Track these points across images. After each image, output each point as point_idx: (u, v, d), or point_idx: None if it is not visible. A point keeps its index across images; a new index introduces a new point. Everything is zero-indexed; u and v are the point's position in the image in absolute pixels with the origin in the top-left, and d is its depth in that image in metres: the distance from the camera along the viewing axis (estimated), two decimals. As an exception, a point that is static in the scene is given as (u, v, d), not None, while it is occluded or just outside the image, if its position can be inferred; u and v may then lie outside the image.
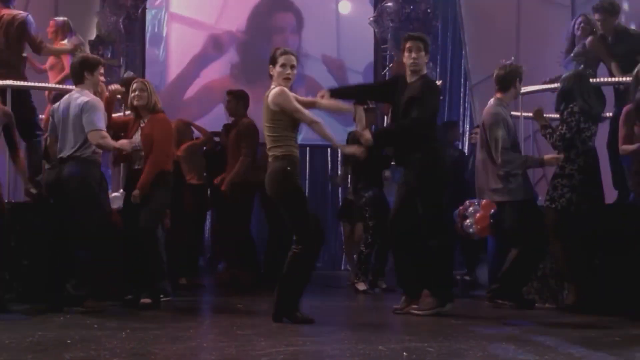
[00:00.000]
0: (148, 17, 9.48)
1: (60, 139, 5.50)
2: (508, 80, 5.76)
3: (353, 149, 5.21)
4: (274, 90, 4.87)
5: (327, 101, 5.21)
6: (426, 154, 5.26)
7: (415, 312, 5.30)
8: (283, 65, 4.88)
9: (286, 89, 4.85)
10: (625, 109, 5.56)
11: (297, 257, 4.82)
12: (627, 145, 5.46)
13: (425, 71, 5.49)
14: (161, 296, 5.72)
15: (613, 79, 6.26)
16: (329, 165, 10.11)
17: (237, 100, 7.68)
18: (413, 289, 5.40)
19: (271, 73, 4.93)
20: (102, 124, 5.41)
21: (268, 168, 4.90)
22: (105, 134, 5.41)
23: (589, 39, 6.29)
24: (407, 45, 5.37)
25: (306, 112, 4.87)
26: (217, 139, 8.26)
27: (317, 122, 4.87)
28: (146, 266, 5.57)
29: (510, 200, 5.72)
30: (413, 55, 5.34)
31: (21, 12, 6.58)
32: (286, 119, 4.84)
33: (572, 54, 6.36)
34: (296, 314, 4.88)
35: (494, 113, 5.69)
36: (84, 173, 5.40)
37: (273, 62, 4.91)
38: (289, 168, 4.80)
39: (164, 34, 9.64)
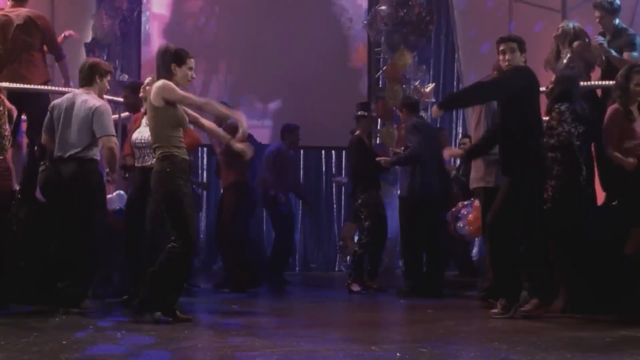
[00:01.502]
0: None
1: (59, 137, 5.43)
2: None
3: (242, 147, 5.09)
4: (157, 83, 4.85)
5: (208, 122, 5.29)
6: (526, 154, 5.22)
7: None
8: (191, 69, 4.93)
9: (168, 82, 4.82)
10: (610, 108, 5.54)
11: (172, 253, 4.80)
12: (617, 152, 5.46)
13: None
14: None
15: (606, 82, 6.28)
16: (323, 167, 10.16)
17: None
18: (514, 294, 5.31)
19: (173, 71, 4.88)
20: (113, 129, 5.42)
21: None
22: (116, 140, 5.41)
23: (575, 44, 6.31)
24: (501, 48, 5.32)
25: (193, 97, 4.89)
26: None
27: (208, 102, 4.92)
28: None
29: (485, 187, 5.78)
30: (507, 57, 5.28)
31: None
32: (167, 116, 4.82)
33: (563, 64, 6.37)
34: (175, 313, 4.86)
35: None
36: (87, 173, 5.38)
37: (179, 62, 4.89)
38: (168, 170, 4.81)
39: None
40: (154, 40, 9.66)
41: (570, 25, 6.43)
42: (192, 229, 4.88)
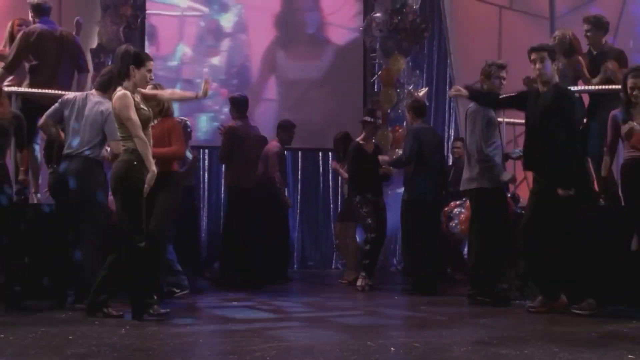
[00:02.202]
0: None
1: (69, 134, 5.56)
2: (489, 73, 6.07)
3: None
4: (118, 93, 4.93)
5: (169, 92, 5.39)
6: (565, 162, 5.33)
7: (577, 311, 5.30)
8: (149, 71, 5.03)
9: (129, 94, 4.90)
10: (612, 113, 5.60)
11: (135, 250, 4.88)
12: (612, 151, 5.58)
13: (556, 79, 5.53)
14: (177, 290, 6.12)
15: (598, 87, 6.43)
16: (320, 169, 10.26)
17: (230, 106, 7.87)
18: (550, 292, 5.44)
19: (132, 73, 4.94)
20: None
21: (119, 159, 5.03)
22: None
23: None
24: (532, 57, 5.45)
25: (137, 126, 4.86)
26: None
27: (140, 138, 4.86)
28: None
29: (477, 188, 5.91)
30: (538, 66, 5.42)
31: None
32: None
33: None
34: (148, 310, 4.97)
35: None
36: (90, 172, 5.52)
37: (138, 64, 4.96)
38: (135, 162, 4.90)
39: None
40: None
41: (567, 34, 6.54)
42: (141, 225, 4.92)
